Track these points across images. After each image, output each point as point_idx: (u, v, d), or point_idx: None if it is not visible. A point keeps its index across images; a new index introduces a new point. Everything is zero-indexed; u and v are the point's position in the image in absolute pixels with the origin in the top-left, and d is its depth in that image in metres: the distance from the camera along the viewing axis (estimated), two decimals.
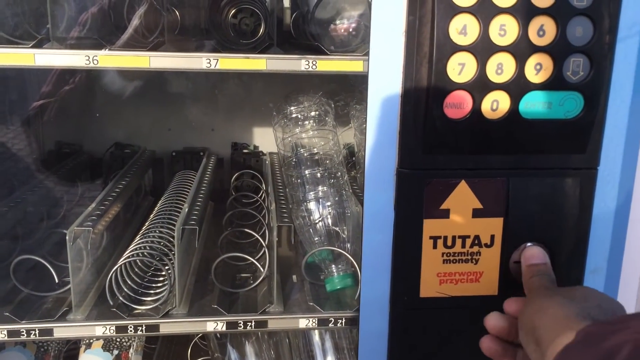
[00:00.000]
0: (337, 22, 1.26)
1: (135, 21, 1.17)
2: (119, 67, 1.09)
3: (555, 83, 0.82)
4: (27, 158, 1.52)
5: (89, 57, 1.06)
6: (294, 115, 1.41)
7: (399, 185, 0.88)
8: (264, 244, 1.35)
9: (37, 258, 1.16)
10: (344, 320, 1.17)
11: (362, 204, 1.35)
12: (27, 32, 1.17)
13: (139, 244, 1.22)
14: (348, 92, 1.58)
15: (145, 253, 1.20)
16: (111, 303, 1.14)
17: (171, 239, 1.22)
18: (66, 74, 1.50)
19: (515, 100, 0.82)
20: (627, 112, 0.87)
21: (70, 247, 1.10)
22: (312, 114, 1.43)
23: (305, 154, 1.39)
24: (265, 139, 1.79)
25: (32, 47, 1.06)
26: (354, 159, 1.54)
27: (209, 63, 1.11)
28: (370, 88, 0.86)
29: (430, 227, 0.88)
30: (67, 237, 1.09)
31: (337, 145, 1.42)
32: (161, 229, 1.26)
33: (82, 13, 1.20)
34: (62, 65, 1.06)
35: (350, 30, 1.24)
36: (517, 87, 0.82)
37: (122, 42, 1.14)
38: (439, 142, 0.85)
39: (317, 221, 1.30)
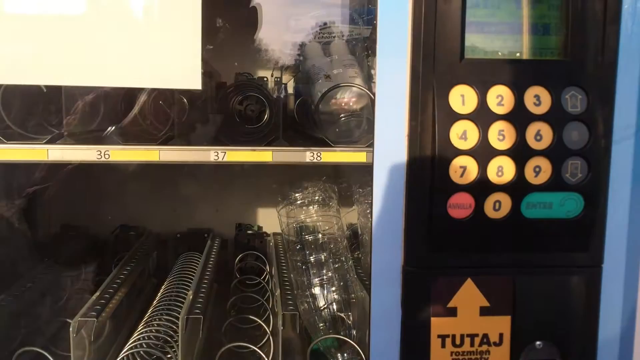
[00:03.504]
0: (338, 96, 1.30)
1: (133, 113, 1.21)
2: (130, 161, 1.12)
3: (554, 184, 0.84)
4: (32, 242, 1.53)
5: (100, 152, 1.09)
6: (299, 202, 1.43)
7: (405, 283, 0.88)
8: (268, 331, 1.33)
9: (39, 350, 1.15)
10: None
11: (367, 289, 1.36)
12: (39, 124, 1.21)
13: (141, 333, 1.20)
14: (351, 175, 1.60)
15: (148, 343, 1.18)
16: None
17: (175, 327, 1.20)
18: None
19: (517, 201, 0.85)
20: (627, 210, 0.88)
21: (74, 339, 1.09)
22: (316, 198, 1.45)
23: (310, 239, 1.40)
24: (269, 220, 1.80)
25: (46, 142, 1.10)
26: (357, 240, 1.55)
27: (216, 156, 1.15)
28: (375, 188, 0.88)
29: (438, 325, 0.87)
30: (70, 329, 1.08)
31: (342, 229, 1.43)
32: (165, 317, 1.25)
33: (94, 107, 1.25)
34: (74, 159, 1.10)
35: (351, 103, 1.28)
36: (518, 188, 0.84)
37: (119, 129, 1.17)
38: (444, 241, 0.86)
39: (322, 308, 1.29)
